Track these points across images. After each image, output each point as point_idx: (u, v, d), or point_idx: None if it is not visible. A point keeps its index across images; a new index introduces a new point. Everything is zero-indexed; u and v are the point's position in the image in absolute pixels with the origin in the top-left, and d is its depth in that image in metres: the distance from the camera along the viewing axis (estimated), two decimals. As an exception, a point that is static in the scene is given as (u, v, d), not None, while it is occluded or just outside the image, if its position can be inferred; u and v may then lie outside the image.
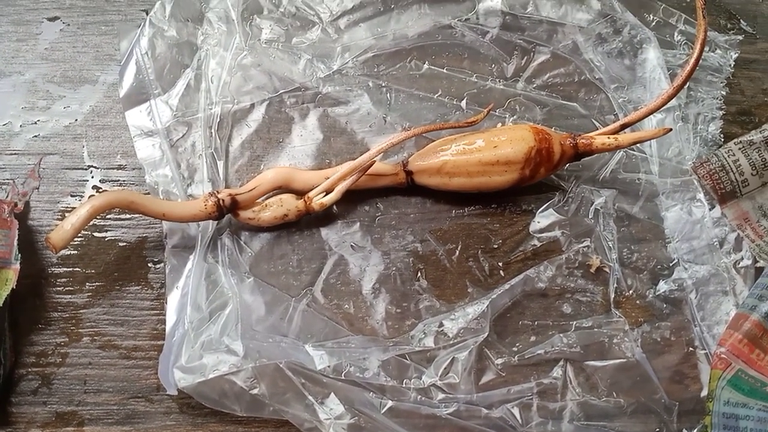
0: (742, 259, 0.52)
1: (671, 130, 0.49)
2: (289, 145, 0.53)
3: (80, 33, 0.55)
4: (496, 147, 0.49)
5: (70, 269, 0.50)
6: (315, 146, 0.53)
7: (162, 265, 0.50)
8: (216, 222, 0.50)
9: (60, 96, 0.54)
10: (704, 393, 0.49)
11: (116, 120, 0.54)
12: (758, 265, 0.51)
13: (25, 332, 0.49)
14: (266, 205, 0.50)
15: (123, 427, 0.48)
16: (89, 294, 0.50)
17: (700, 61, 0.49)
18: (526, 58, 0.55)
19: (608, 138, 0.49)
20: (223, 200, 0.48)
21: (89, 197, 0.43)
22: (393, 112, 0.54)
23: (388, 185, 0.52)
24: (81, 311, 0.50)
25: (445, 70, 0.55)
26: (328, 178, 0.50)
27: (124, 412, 0.48)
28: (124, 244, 0.51)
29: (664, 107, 0.53)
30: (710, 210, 0.53)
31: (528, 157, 0.49)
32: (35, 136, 0.53)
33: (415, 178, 0.51)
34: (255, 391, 0.46)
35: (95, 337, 0.49)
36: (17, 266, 0.47)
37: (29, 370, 0.49)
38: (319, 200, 0.50)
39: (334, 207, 0.52)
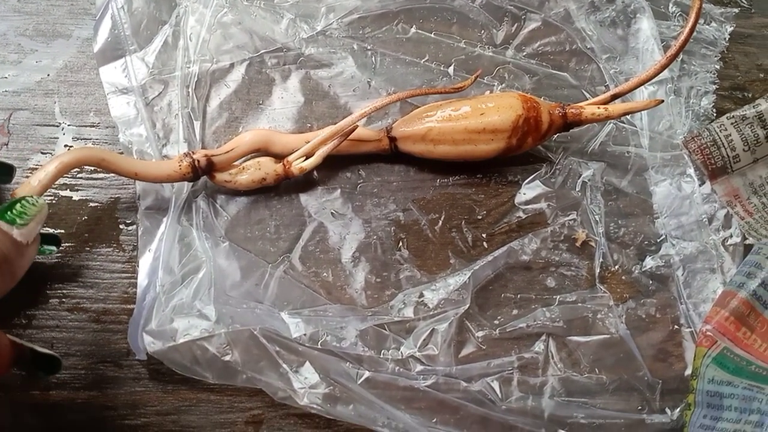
0: (731, 236, 0.51)
1: (662, 101, 0.48)
2: (269, 108, 0.51)
3: (56, -13, 0.53)
4: (483, 114, 0.47)
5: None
6: (296, 109, 0.51)
7: (134, 227, 0.48)
8: (191, 184, 0.48)
9: (32, 50, 0.52)
10: (689, 371, 0.48)
11: (90, 76, 0.52)
12: (747, 242, 0.50)
13: (-10, 293, 0.47)
14: (243, 168, 0.48)
15: (90, 392, 0.46)
16: (58, 255, 0.48)
17: (694, 33, 0.48)
18: (516, 24, 0.54)
19: (598, 108, 0.48)
20: (198, 161, 0.46)
21: (58, 154, 0.42)
22: (378, 76, 0.52)
23: (371, 151, 0.50)
24: (49, 272, 0.48)
25: (432, 35, 0.53)
26: (309, 141, 0.48)
27: (92, 377, 0.46)
28: (96, 204, 0.49)
29: (656, 79, 0.52)
30: (700, 186, 0.51)
31: (515, 125, 0.47)
32: (5, 91, 0.51)
33: (398, 144, 0.50)
34: (227, 358, 0.45)
35: (63, 300, 0.47)
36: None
37: (-6, 331, 0.47)
38: (298, 164, 0.48)
39: (315, 172, 0.50)
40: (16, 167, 0.47)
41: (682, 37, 0.47)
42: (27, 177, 0.49)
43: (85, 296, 0.48)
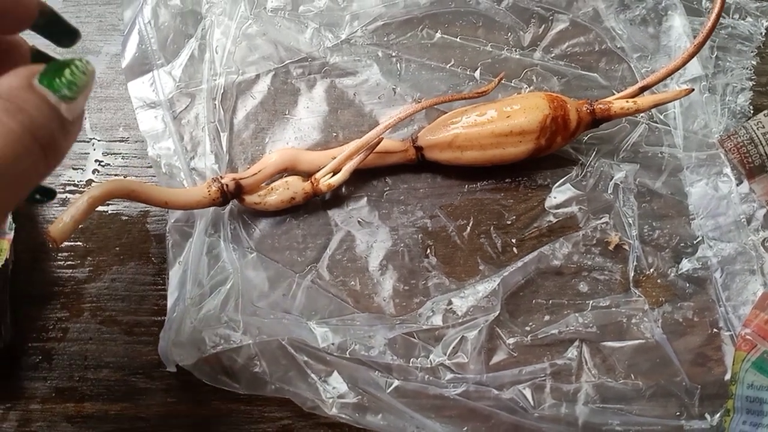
0: (771, 236, 0.49)
1: (693, 90, 0.46)
2: (294, 118, 0.51)
3: (83, 3, 0.54)
4: (509, 117, 0.47)
5: (71, 243, 0.49)
6: (322, 119, 0.51)
7: (164, 239, 0.49)
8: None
9: (63, 68, 0.53)
10: (728, 376, 0.46)
11: (119, 92, 0.52)
12: (788, 242, 0.49)
13: (25, 307, 0.48)
14: (272, 189, 0.48)
15: (123, 404, 0.47)
16: (90, 268, 0.49)
17: (729, 29, 0.46)
18: (543, 26, 0.53)
19: (627, 102, 0.47)
20: (227, 185, 0.46)
21: (88, 188, 0.42)
22: (403, 83, 0.52)
23: (398, 162, 0.50)
24: (82, 286, 0.49)
25: (458, 39, 0.52)
26: (335, 157, 0.48)
27: (124, 389, 0.47)
28: (126, 218, 0.50)
29: (690, 77, 0.51)
30: (737, 185, 0.50)
31: (543, 125, 0.46)
32: (38, 108, 0.52)
33: (425, 153, 0.49)
34: (256, 369, 0.45)
35: (96, 312, 0.48)
36: (11, 236, 0.46)
37: (30, 345, 0.48)
38: (326, 181, 0.48)
39: (343, 188, 0.50)
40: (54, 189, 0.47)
41: (710, 23, 0.45)
42: (60, 192, 0.50)
43: (117, 309, 0.48)
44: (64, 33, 0.40)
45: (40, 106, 0.31)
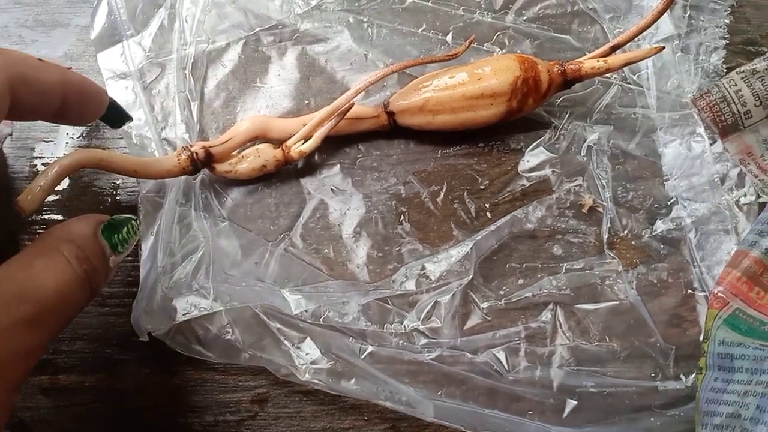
0: (745, 195, 0.49)
1: (663, 48, 0.46)
2: (266, 86, 0.51)
3: (53, -25, 0.54)
4: (480, 79, 0.46)
5: (45, 216, 0.49)
6: (293, 86, 0.51)
7: (137, 211, 0.48)
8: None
9: (33, 40, 0.52)
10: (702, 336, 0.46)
11: (89, 63, 0.52)
12: (761, 200, 0.48)
13: (-2, 280, 0.48)
14: (243, 157, 0.48)
15: (98, 375, 0.47)
16: (63, 241, 0.49)
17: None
18: (515, -12, 0.53)
19: (597, 61, 0.46)
20: (197, 153, 0.46)
21: (57, 158, 0.42)
22: (375, 48, 0.51)
23: (370, 129, 0.49)
24: (55, 258, 0.48)
25: (429, 4, 0.52)
26: (306, 124, 0.47)
27: (99, 360, 0.47)
28: (98, 189, 0.50)
29: (662, 36, 0.50)
30: (711, 145, 0.50)
31: (514, 87, 0.46)
32: (7, 82, 0.51)
33: (397, 118, 0.49)
34: (229, 337, 0.45)
35: (69, 285, 0.48)
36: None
37: (4, 318, 0.48)
38: (297, 148, 0.47)
39: (316, 155, 0.50)
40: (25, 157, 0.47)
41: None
42: (33, 165, 0.50)
43: (90, 280, 0.48)
44: (119, 118, 0.47)
45: (100, 255, 0.37)
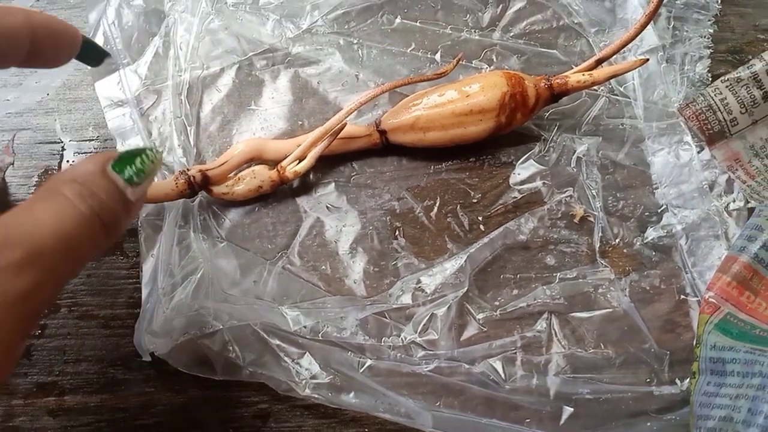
0: (734, 201, 0.49)
1: (648, 60, 0.47)
2: (260, 109, 0.52)
3: (50, 8, 0.55)
4: (468, 96, 0.48)
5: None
6: (287, 108, 0.52)
7: (137, 234, 0.49)
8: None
9: (31, 71, 0.54)
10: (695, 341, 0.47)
11: (87, 92, 0.53)
12: (750, 206, 0.49)
13: (4, 306, 0.49)
14: (239, 179, 0.49)
15: (103, 395, 0.48)
16: (66, 266, 0.50)
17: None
18: (501, 6, 0.54)
19: (583, 75, 0.48)
20: (194, 177, 0.47)
21: None
22: (365, 69, 0.52)
23: (363, 147, 0.51)
24: (58, 283, 0.49)
25: (418, 24, 0.53)
26: (300, 145, 0.49)
27: (103, 381, 0.48)
28: (99, 214, 0.51)
29: (647, 47, 0.51)
30: (699, 152, 0.51)
31: (502, 103, 0.47)
32: (8, 113, 0.53)
33: (389, 136, 0.50)
34: (230, 355, 0.46)
35: (73, 308, 0.49)
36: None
37: (10, 343, 0.49)
38: (292, 169, 0.49)
39: (310, 174, 0.51)
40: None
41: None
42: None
43: (94, 303, 0.49)
44: (96, 55, 0.44)
45: (110, 190, 0.34)
